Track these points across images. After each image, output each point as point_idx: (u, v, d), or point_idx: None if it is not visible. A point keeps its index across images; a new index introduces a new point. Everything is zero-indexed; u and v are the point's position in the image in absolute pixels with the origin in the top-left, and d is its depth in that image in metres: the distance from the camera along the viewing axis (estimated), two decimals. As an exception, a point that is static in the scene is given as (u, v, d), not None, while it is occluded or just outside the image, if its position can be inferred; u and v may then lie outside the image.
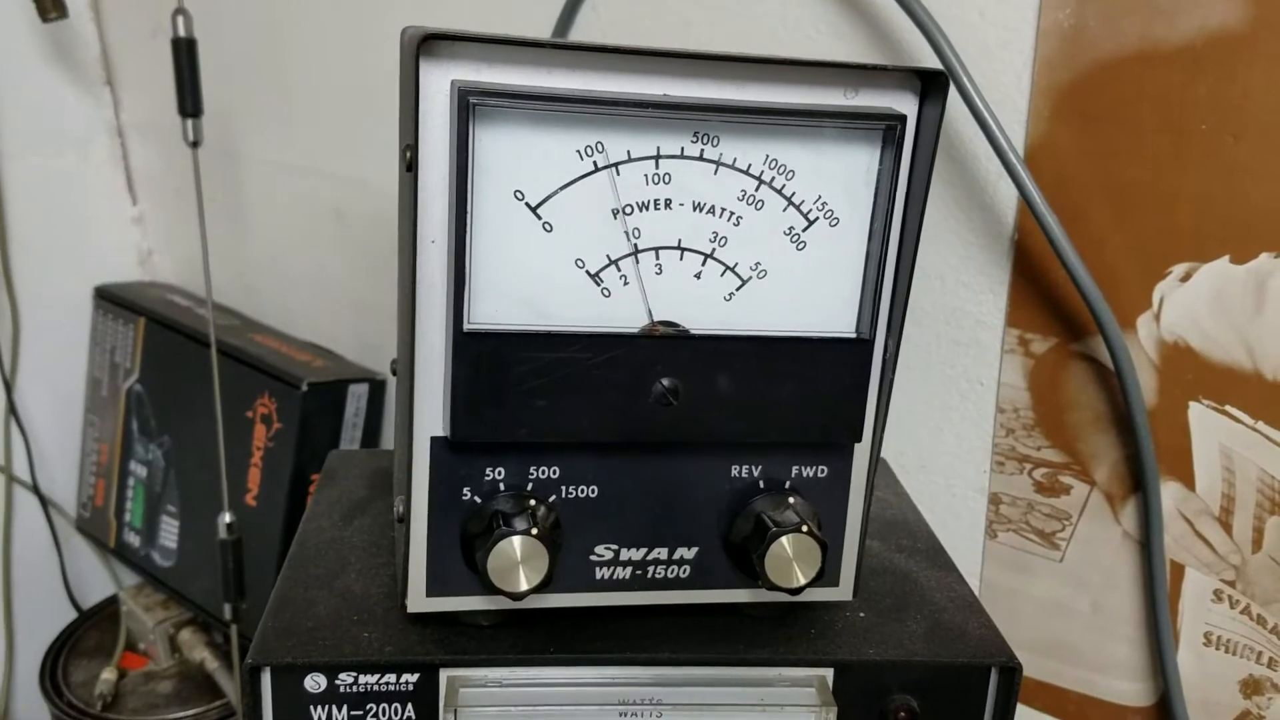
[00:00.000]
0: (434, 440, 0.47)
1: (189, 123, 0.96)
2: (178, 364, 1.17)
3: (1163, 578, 0.68)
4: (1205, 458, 0.66)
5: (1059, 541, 0.73)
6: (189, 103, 0.95)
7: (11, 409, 1.25)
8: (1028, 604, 0.75)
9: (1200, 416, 0.65)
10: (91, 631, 1.26)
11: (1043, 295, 0.69)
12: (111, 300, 1.24)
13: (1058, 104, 0.65)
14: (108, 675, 1.16)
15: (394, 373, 0.66)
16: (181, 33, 0.94)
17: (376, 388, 1.13)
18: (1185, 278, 0.63)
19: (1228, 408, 0.64)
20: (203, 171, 0.98)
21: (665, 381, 0.47)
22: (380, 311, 1.12)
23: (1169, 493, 0.67)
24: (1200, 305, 0.63)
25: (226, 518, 1.02)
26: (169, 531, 1.20)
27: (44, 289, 1.25)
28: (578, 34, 0.86)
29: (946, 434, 0.75)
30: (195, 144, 0.97)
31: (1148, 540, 0.68)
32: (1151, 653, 0.71)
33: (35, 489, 1.29)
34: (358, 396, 1.11)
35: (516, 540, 0.46)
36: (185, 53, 0.94)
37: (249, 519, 1.09)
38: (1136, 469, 0.68)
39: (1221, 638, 0.68)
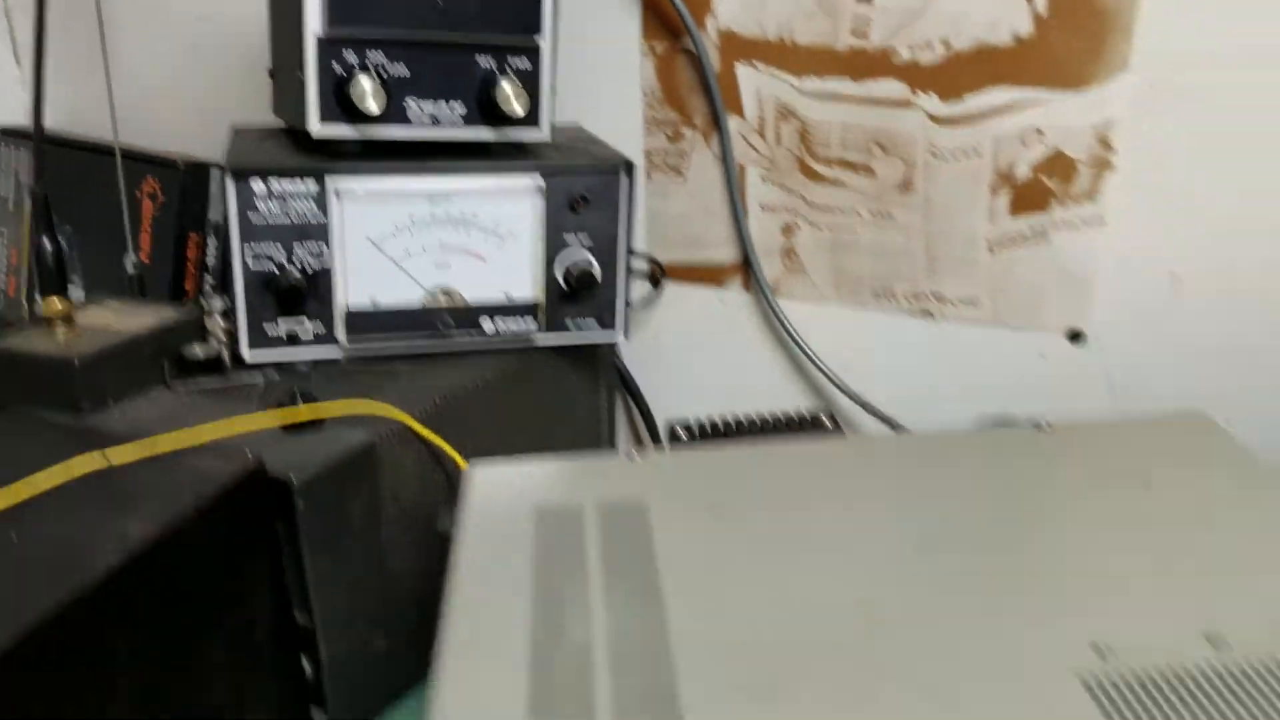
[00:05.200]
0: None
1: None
2: (75, 170, 1.54)
3: (734, 176, 1.19)
4: (749, 97, 1.17)
5: (684, 170, 1.23)
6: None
7: (-70, 222, 1.59)
8: (671, 218, 1.25)
9: (744, 73, 1.16)
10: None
11: (660, 16, 1.18)
12: (11, 134, 1.61)
13: (653, -99, 1.15)
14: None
15: (271, 76, 1.11)
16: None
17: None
18: (726, -7, 1.15)
19: (755, 63, 1.15)
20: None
21: None
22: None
23: (733, 124, 1.18)
24: (735, 3, 1.15)
25: (131, 258, 1.42)
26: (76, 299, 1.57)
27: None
28: None
29: (617, 111, 1.24)
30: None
31: (725, 156, 1.19)
32: (734, 226, 1.22)
33: (-49, 290, 1.63)
34: (217, 177, 1.52)
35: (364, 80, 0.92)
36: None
37: (143, 270, 1.48)
38: (715, 113, 1.19)
39: (768, 204, 1.20)
